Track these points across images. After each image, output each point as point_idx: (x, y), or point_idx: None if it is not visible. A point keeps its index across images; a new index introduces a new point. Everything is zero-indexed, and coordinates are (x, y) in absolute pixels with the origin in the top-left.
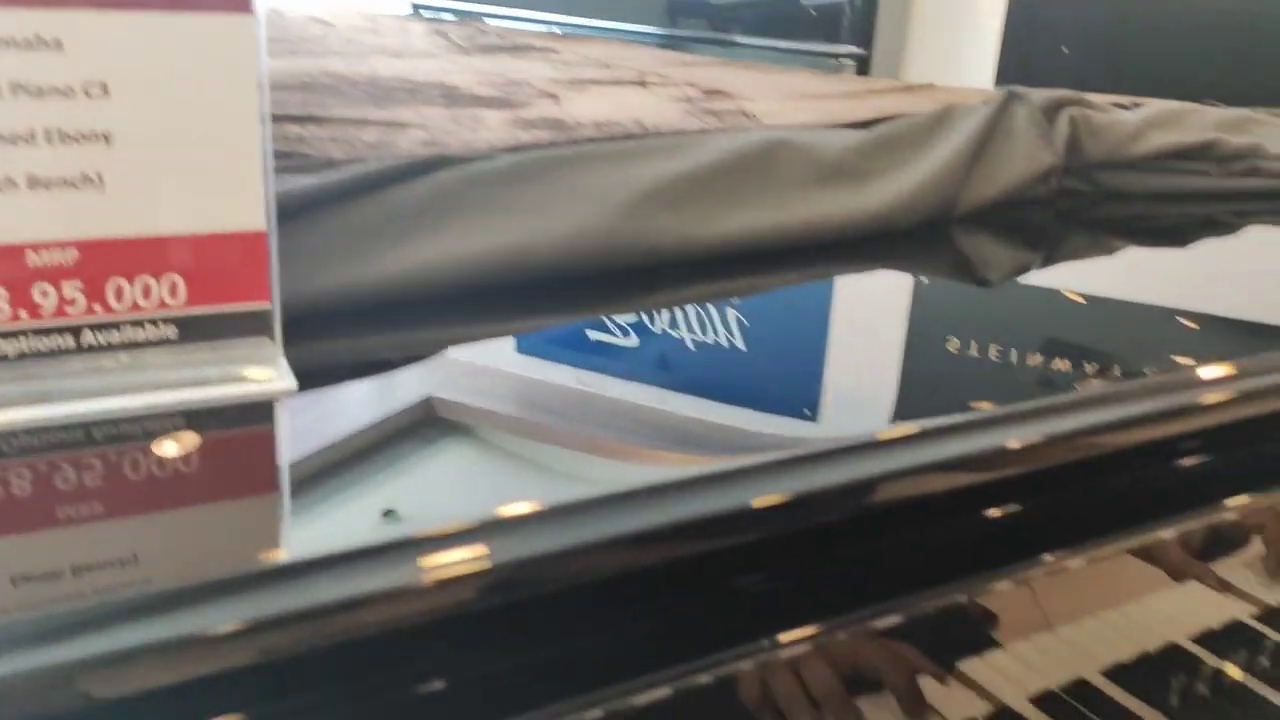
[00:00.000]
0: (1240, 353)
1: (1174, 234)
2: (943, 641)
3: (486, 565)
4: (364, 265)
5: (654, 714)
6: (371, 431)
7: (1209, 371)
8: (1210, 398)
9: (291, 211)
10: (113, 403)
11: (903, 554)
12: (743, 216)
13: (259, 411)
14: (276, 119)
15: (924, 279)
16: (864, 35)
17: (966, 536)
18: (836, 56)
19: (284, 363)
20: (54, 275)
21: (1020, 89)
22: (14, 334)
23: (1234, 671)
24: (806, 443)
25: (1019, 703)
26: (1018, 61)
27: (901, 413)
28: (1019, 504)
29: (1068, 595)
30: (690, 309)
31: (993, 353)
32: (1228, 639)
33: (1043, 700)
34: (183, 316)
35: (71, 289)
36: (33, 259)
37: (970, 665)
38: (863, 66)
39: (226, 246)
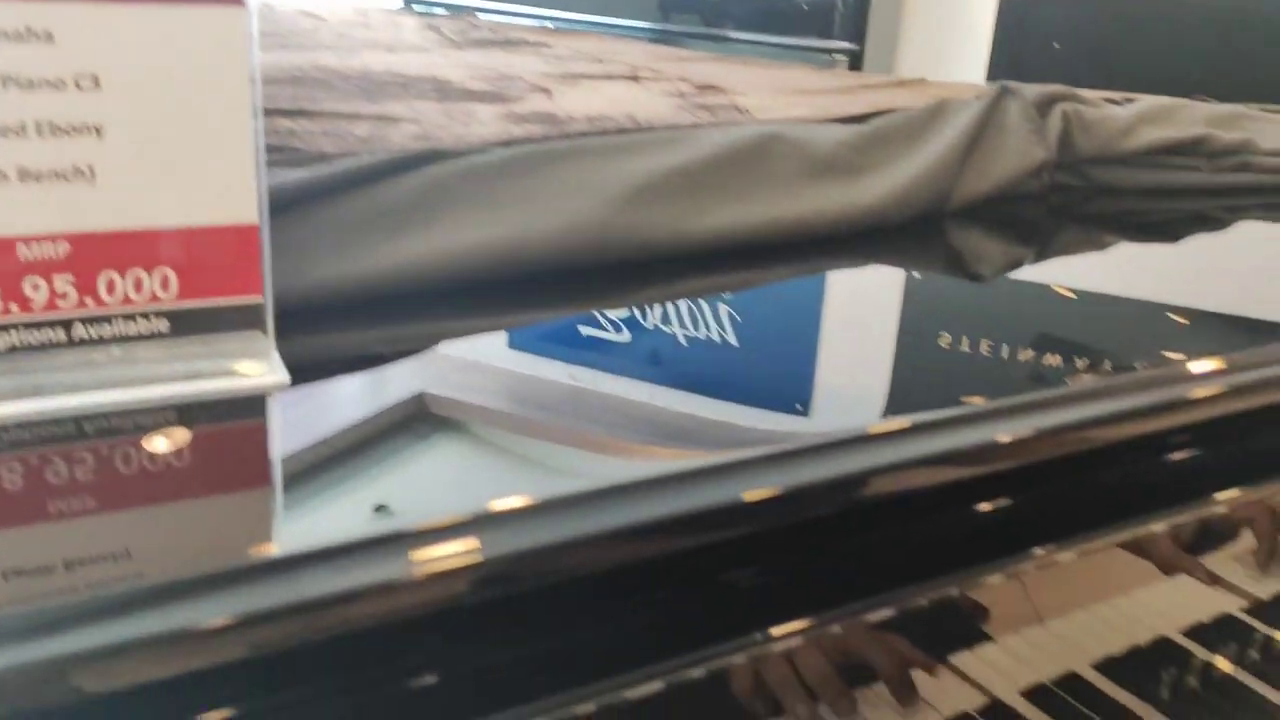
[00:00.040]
0: (1230, 347)
1: (1165, 229)
2: (934, 635)
3: (478, 559)
4: (356, 259)
5: (646, 707)
6: (364, 426)
7: (1199, 366)
8: (1200, 392)
9: (283, 205)
10: (104, 397)
11: (894, 548)
12: (735, 211)
13: (251, 406)
14: (267, 113)
15: (916, 274)
16: (856, 31)
17: (958, 530)
18: (829, 52)
19: (276, 357)
20: (45, 268)
21: (1013, 84)
22: (4, 328)
23: (1224, 664)
24: (797, 437)
25: (1010, 696)
26: (1009, 57)
27: (893, 407)
28: (1010, 498)
29: (1059, 589)
30: (682, 304)
31: (984, 347)
32: (1218, 632)
33: (1034, 693)
34: (174, 310)
35: (63, 282)
36: (23, 252)
37: (962, 659)
38: (855, 62)
39: (218, 240)
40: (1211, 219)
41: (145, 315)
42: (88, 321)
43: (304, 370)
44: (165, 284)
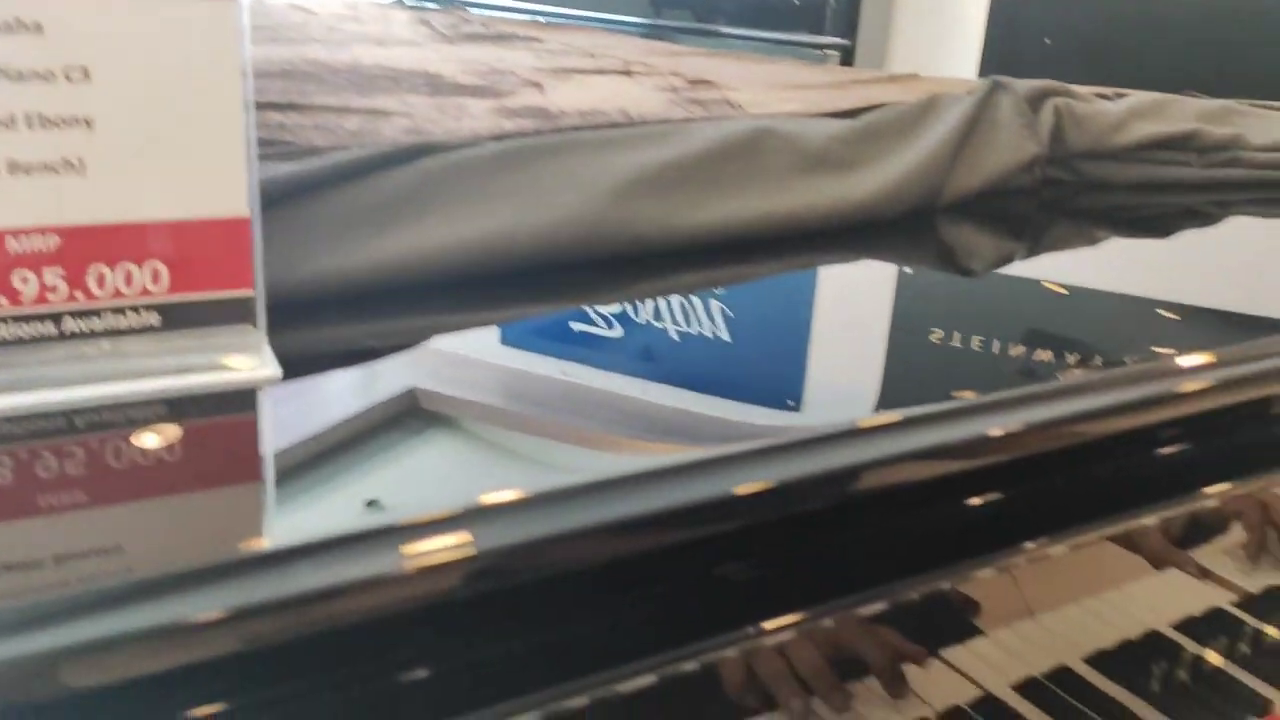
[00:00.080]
0: (1220, 341)
1: (1156, 224)
2: (926, 628)
3: (469, 554)
4: (348, 253)
5: (638, 701)
6: (355, 422)
7: (1189, 360)
8: (1190, 386)
9: (275, 198)
10: (95, 390)
11: (886, 542)
12: (728, 206)
13: (242, 400)
14: (258, 107)
15: (908, 268)
16: (848, 26)
17: (949, 524)
18: (821, 47)
19: (268, 350)
20: (35, 262)
21: (1005, 79)
22: None
23: (1214, 658)
24: (789, 430)
25: (1002, 689)
26: (1001, 53)
27: (884, 402)
28: (1001, 492)
29: (1050, 582)
30: (674, 299)
31: (975, 342)
32: (1208, 626)
33: (1025, 687)
34: (165, 303)
35: (53, 275)
36: (13, 245)
37: (953, 652)
38: (847, 57)
39: (209, 233)
40: (1202, 214)
41: (136, 309)
42: (78, 315)
43: (295, 364)
44: (156, 277)
